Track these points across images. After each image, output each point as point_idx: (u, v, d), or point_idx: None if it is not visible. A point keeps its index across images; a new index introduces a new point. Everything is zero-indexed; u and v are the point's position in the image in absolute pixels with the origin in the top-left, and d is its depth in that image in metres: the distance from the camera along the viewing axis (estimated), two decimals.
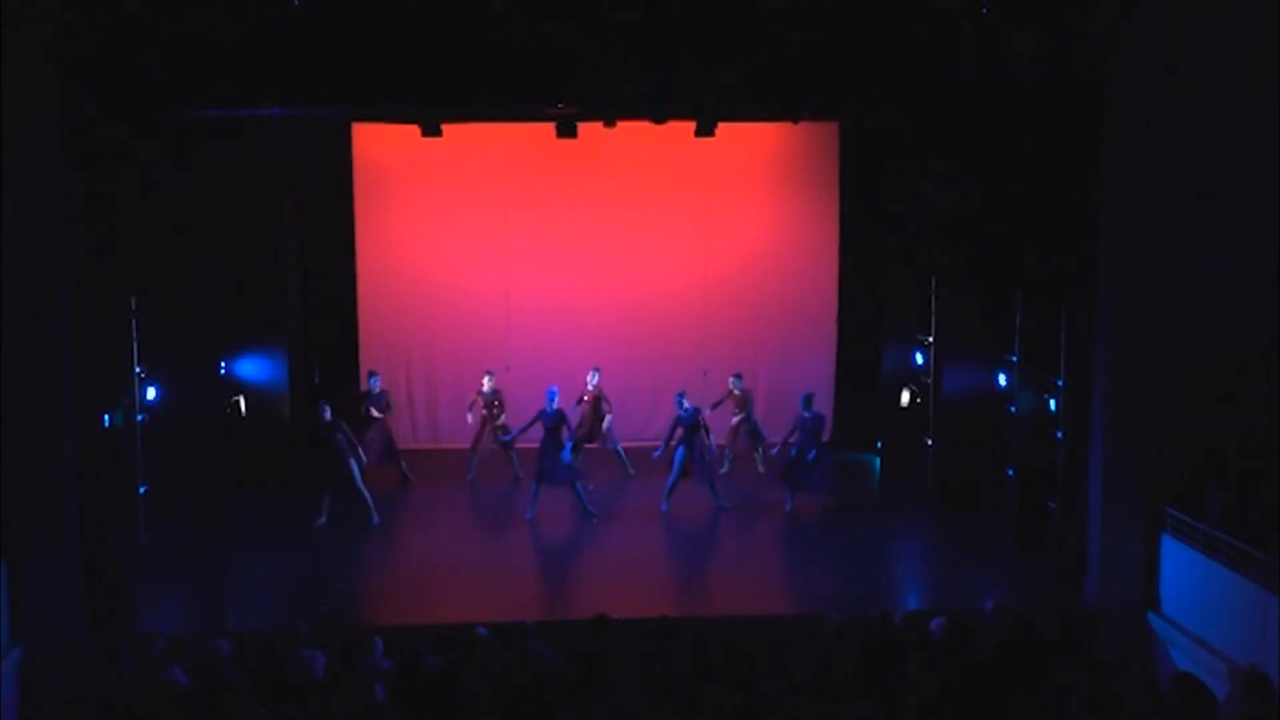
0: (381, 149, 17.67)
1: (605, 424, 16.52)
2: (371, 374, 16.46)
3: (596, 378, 16.62)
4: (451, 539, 14.61)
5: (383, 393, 16.37)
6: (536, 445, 15.13)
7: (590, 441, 16.58)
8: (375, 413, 16.15)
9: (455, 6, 11.98)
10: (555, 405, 14.91)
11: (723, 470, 16.45)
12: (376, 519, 14.68)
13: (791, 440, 15.27)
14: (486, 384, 16.47)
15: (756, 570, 13.78)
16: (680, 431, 15.14)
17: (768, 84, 12.57)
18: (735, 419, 16.74)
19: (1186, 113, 11.69)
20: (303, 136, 16.60)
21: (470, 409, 16.54)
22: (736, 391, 16.70)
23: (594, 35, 12.09)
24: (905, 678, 9.31)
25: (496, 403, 16.49)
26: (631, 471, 16.72)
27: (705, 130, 15.17)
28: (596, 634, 10.13)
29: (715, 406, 16.48)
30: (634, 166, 17.86)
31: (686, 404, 15.21)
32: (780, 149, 18.11)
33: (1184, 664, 11.15)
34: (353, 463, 14.63)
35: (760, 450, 16.90)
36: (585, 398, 16.57)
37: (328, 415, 14.72)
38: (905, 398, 16.65)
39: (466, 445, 16.83)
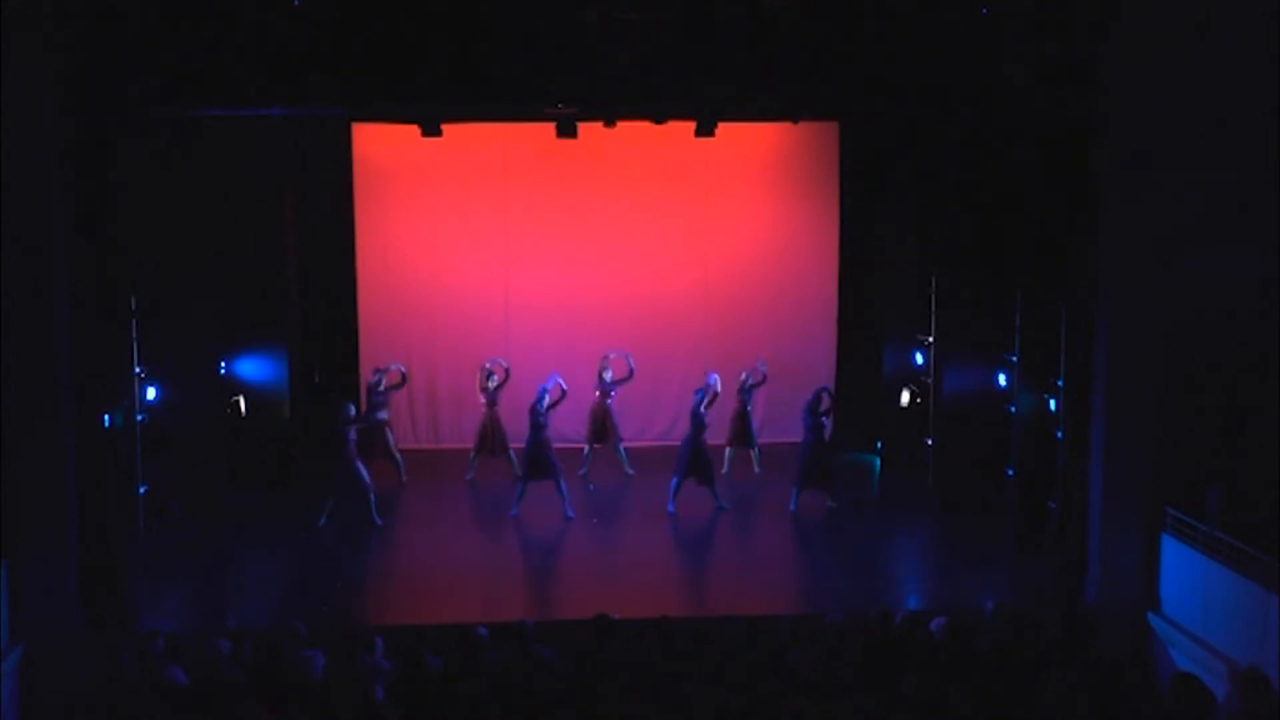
0: (381, 149, 17.66)
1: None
2: (377, 371, 16.47)
3: (609, 373, 16.65)
4: (451, 539, 14.59)
5: (386, 389, 16.39)
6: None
7: (599, 441, 16.63)
8: (383, 415, 16.21)
9: (455, 6, 11.97)
10: (545, 402, 14.97)
11: (723, 470, 16.43)
12: (379, 521, 14.68)
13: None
14: (489, 382, 16.46)
15: (757, 570, 13.77)
16: (692, 429, 15.15)
17: (768, 84, 12.56)
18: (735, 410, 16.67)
19: (1186, 112, 11.70)
20: (303, 136, 16.60)
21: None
22: (751, 380, 16.64)
23: (594, 35, 12.08)
24: (905, 678, 9.31)
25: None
26: (630, 471, 16.72)
27: (705, 130, 15.16)
28: (596, 634, 10.13)
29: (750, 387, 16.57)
30: (634, 166, 17.84)
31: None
32: (780, 149, 18.10)
33: (1184, 664, 11.16)
34: (359, 463, 14.66)
35: (756, 449, 16.87)
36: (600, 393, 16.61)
37: (351, 412, 14.75)
38: (905, 398, 16.65)
39: (466, 445, 16.82)
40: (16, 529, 11.29)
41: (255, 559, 13.98)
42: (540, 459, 14.85)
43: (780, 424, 17.58)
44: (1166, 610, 11.92)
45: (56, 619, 11.33)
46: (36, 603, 11.30)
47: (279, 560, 13.82)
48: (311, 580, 13.03)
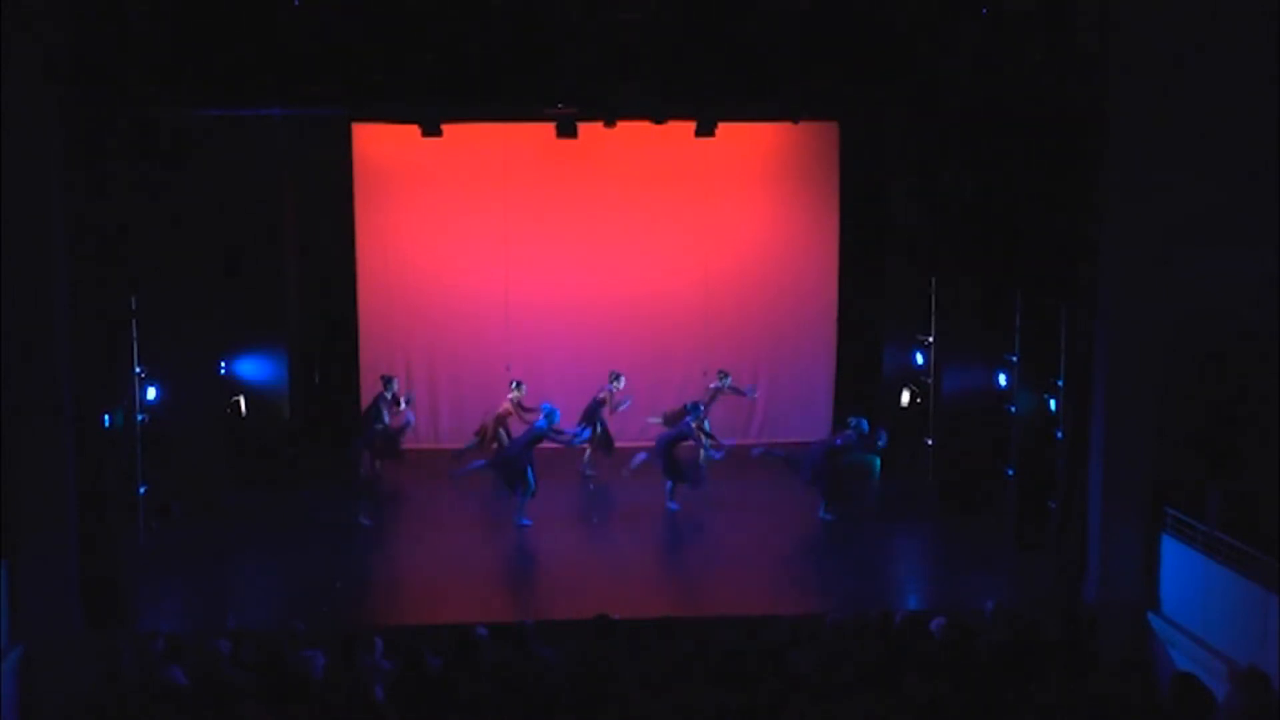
0: (381, 149, 17.66)
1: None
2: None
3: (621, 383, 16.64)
4: (451, 539, 14.58)
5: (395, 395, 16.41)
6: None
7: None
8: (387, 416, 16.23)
9: (455, 6, 11.97)
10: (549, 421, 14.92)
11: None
12: (368, 522, 14.71)
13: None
14: (515, 392, 16.47)
15: (757, 570, 13.74)
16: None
17: (768, 84, 12.56)
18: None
19: (1187, 112, 11.70)
20: (303, 136, 16.59)
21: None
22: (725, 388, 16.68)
23: (594, 35, 12.08)
24: (905, 678, 9.31)
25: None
26: (628, 472, 16.70)
27: (705, 130, 15.17)
28: (597, 634, 10.13)
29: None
30: (634, 166, 17.84)
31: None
32: (780, 149, 18.10)
33: (1184, 664, 11.16)
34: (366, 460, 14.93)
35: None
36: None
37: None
38: (905, 398, 16.64)
39: (465, 445, 16.82)
40: (16, 529, 11.29)
41: (255, 559, 13.99)
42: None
43: (780, 424, 17.56)
44: (1166, 610, 11.91)
45: (56, 619, 11.33)
46: (36, 603, 11.30)
47: (279, 560, 13.82)
48: (311, 580, 13.03)
